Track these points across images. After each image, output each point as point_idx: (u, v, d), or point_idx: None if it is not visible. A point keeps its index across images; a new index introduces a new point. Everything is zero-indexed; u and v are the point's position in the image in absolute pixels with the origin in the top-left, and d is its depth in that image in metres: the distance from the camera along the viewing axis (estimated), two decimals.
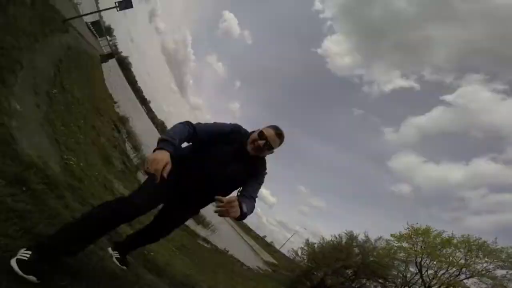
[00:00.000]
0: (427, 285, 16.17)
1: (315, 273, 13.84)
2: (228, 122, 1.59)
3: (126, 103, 24.23)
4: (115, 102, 18.83)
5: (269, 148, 1.51)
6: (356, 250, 14.80)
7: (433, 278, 16.21)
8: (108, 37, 26.65)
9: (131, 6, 8.72)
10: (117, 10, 8.76)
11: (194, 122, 1.47)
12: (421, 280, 17.09)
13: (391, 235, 17.88)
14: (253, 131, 1.55)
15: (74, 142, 4.23)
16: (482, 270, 15.37)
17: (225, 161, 1.47)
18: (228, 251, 14.45)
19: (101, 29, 22.24)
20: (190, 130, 1.38)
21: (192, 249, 8.43)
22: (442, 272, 16.41)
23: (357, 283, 14.73)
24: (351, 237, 15.44)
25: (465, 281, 15.28)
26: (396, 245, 17.74)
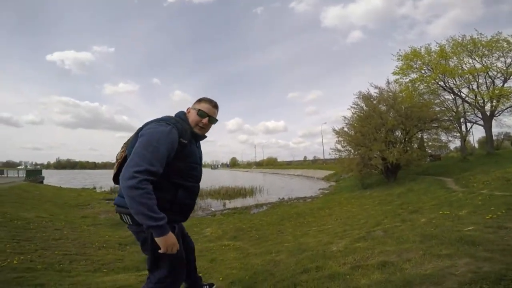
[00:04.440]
0: (478, 105, 15.16)
1: (370, 157, 12.94)
2: (155, 124, 1.33)
3: (108, 180, 25.50)
4: (94, 188, 22.68)
5: (213, 121, 1.53)
6: (383, 107, 13.53)
7: (476, 96, 15.23)
8: None
9: None
10: None
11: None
12: (466, 104, 16.16)
13: (394, 73, 16.82)
14: (186, 112, 1.53)
15: None
16: (504, 66, 14.43)
17: (198, 161, 1.51)
18: (283, 198, 13.98)
19: None
20: (150, 185, 1.18)
21: (248, 225, 7.72)
22: (474, 85, 15.46)
23: (415, 140, 13.80)
24: (365, 97, 14.10)
25: (506, 85, 14.42)
26: (407, 80, 16.72)
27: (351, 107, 14.38)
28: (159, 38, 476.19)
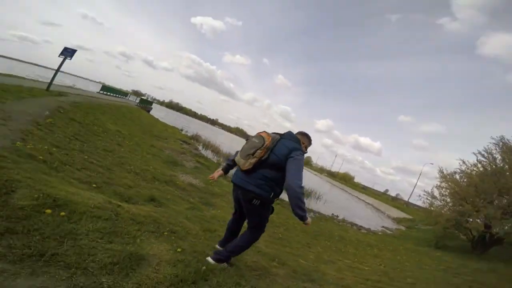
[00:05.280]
0: None
1: (469, 219, 9.88)
2: (301, 152, 2.04)
3: (196, 129, 34.85)
4: (181, 130, 27.11)
5: None
6: None
7: None
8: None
9: (70, 58, 10.24)
10: (59, 56, 10.20)
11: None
12: None
13: None
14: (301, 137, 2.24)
15: None
16: None
17: None
18: (337, 216, 12.37)
19: None
20: None
21: (281, 221, 6.98)
22: None
23: None
24: (509, 148, 10.18)
25: None
26: None
27: (479, 153, 10.96)
28: (279, 21, 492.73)
